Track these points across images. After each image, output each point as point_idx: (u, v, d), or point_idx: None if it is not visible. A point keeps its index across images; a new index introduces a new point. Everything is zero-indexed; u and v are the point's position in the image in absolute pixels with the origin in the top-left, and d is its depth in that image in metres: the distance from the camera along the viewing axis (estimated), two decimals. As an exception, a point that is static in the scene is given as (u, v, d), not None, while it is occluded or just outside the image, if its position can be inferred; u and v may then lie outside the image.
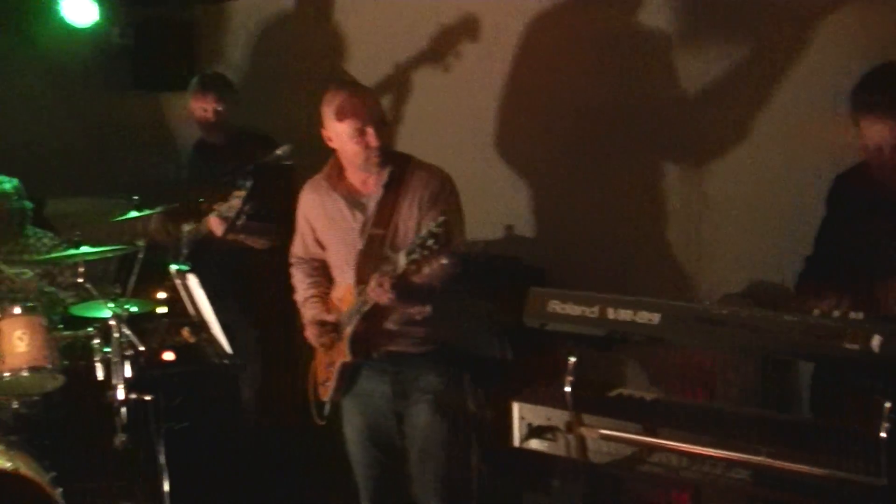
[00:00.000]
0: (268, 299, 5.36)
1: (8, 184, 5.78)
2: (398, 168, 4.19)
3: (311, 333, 4.35)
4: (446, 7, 5.94)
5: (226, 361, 4.47)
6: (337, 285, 4.35)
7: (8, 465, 4.65)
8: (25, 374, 5.10)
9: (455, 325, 4.31)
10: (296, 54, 6.78)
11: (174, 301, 5.76)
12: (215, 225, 5.04)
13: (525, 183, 5.71)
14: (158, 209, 5.44)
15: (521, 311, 3.54)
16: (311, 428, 4.41)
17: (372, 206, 4.19)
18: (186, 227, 5.35)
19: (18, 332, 5.13)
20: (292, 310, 5.22)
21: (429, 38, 6.02)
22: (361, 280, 4.11)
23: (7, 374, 5.07)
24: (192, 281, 4.39)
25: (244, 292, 5.34)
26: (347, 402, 4.36)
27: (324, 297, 4.39)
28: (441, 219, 3.74)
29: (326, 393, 4.33)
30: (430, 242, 3.71)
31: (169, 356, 5.49)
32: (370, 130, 4.08)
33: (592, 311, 3.35)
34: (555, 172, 5.61)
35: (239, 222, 4.69)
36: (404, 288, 3.94)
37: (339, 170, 4.29)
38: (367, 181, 4.23)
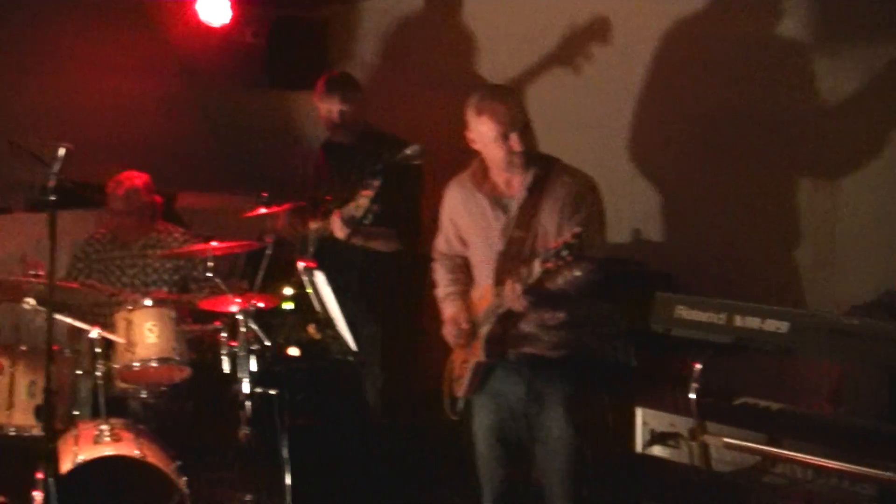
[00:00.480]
0: (392, 297, 5.44)
1: (139, 179, 6.01)
2: (542, 171, 4.27)
3: (447, 331, 4.46)
4: (577, 8, 5.95)
5: (350, 358, 4.55)
6: (477, 284, 4.45)
7: (135, 452, 4.83)
8: (154, 364, 5.30)
9: (590, 331, 4.38)
10: (426, 55, 6.86)
11: (301, 297, 5.94)
12: (338, 228, 5.11)
13: (653, 187, 5.70)
14: (287, 206, 5.56)
15: (646, 316, 3.57)
16: (431, 425, 4.49)
17: (514, 207, 4.28)
18: (313, 225, 5.47)
19: (149, 324, 5.33)
20: (416, 308, 5.33)
21: (559, 40, 6.04)
22: (500, 281, 4.21)
23: (137, 364, 5.27)
24: (319, 278, 4.47)
25: (368, 290, 5.41)
26: (479, 399, 4.45)
27: (463, 295, 4.50)
28: (577, 230, 3.83)
29: (461, 389, 4.43)
30: (564, 253, 3.80)
31: (294, 352, 5.60)
32: (513, 136, 4.17)
33: (720, 318, 3.37)
34: (684, 177, 5.60)
35: (366, 221, 4.77)
36: (539, 294, 4.03)
37: (484, 169, 4.39)
38: (511, 182, 4.32)
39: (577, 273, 3.86)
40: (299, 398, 5.71)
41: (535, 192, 4.25)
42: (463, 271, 4.55)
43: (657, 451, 3.59)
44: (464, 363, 4.43)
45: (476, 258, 4.45)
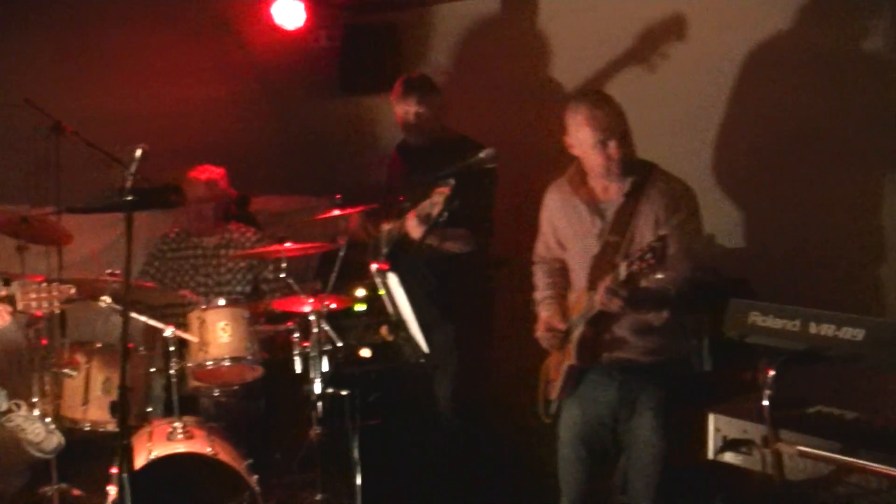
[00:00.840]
0: (466, 299, 5.48)
1: (218, 170, 6.22)
2: (640, 177, 4.35)
3: (541, 334, 4.54)
4: (655, 11, 5.94)
5: (422, 361, 4.60)
6: (573, 288, 4.53)
7: (207, 450, 4.93)
8: (227, 363, 5.41)
9: (681, 336, 4.43)
10: (500, 58, 6.89)
11: (373, 299, 6.00)
12: (413, 227, 5.16)
13: (730, 193, 5.68)
14: (359, 209, 5.64)
15: (721, 323, 3.58)
16: (501, 428, 4.49)
17: (611, 213, 4.37)
18: (386, 227, 5.54)
19: (222, 324, 5.45)
20: (489, 310, 5.35)
21: (636, 43, 6.04)
22: (593, 285, 4.29)
23: (210, 362, 5.39)
24: (392, 279, 4.50)
25: (443, 291, 5.46)
26: (569, 402, 4.53)
27: (559, 298, 4.59)
28: (662, 233, 3.92)
29: (554, 392, 4.52)
30: (647, 256, 3.87)
31: (366, 353, 5.66)
32: (612, 143, 4.27)
33: (794, 325, 3.38)
34: (762, 184, 5.57)
35: (441, 220, 4.76)
36: (631, 296, 4.08)
37: (582, 174, 4.49)
38: (609, 188, 4.41)
39: (659, 276, 3.92)
40: (370, 399, 5.76)
41: (632, 198, 4.33)
42: (561, 275, 4.64)
43: (729, 457, 3.59)
44: (558, 366, 4.51)
45: (573, 262, 4.54)
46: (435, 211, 4.76)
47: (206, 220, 6.23)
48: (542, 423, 4.60)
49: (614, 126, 4.28)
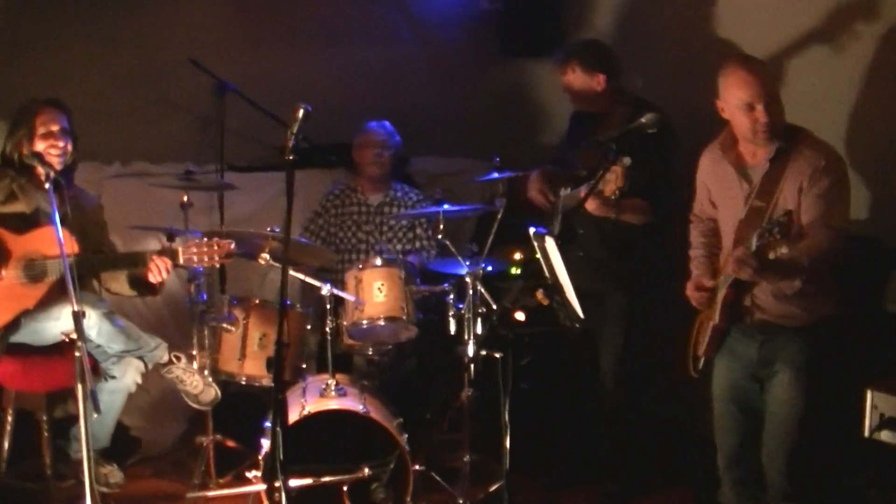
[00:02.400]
0: (640, 268, 5.34)
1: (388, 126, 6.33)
2: (787, 143, 4.30)
3: (689, 292, 4.59)
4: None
5: (577, 326, 4.52)
6: (723, 248, 4.56)
7: (360, 407, 4.95)
8: (382, 323, 5.39)
9: (828, 303, 4.36)
10: (664, 24, 6.68)
11: (530, 262, 5.93)
12: (588, 204, 4.99)
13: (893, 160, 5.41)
14: (536, 172, 5.56)
15: (881, 295, 3.40)
16: (661, 398, 4.37)
17: (757, 177, 4.36)
18: (563, 192, 5.40)
19: (378, 283, 5.44)
20: (664, 280, 5.23)
21: (822, 15, 5.76)
22: (736, 247, 4.31)
23: (365, 321, 5.38)
24: (550, 244, 4.43)
25: (618, 262, 5.34)
26: (719, 361, 4.58)
27: (711, 257, 4.64)
28: (786, 209, 4.04)
29: (701, 349, 4.56)
30: (774, 230, 3.93)
31: (520, 316, 5.59)
32: (759, 107, 4.23)
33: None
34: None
35: (613, 197, 4.72)
36: (761, 266, 4.09)
37: (732, 138, 4.47)
38: (756, 153, 4.38)
39: (784, 250, 3.92)
40: (523, 363, 5.77)
41: (778, 164, 4.29)
42: (714, 234, 4.68)
43: (886, 436, 3.42)
44: (705, 324, 4.55)
45: (723, 223, 4.58)
46: (608, 189, 4.68)
47: (382, 171, 6.28)
48: (690, 378, 4.64)
49: (762, 89, 4.24)
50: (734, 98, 4.28)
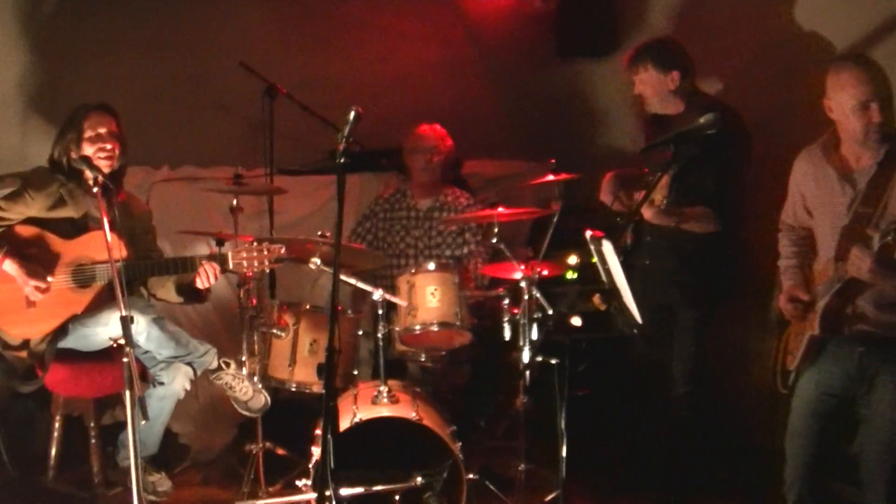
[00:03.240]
0: (709, 280, 5.22)
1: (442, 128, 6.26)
2: (895, 146, 4.22)
3: (783, 303, 4.48)
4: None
5: (634, 332, 4.44)
6: (819, 257, 4.45)
7: (412, 415, 4.89)
8: (435, 329, 5.35)
9: None
10: (723, 19, 6.54)
11: (586, 267, 5.85)
12: (645, 211, 4.95)
13: None
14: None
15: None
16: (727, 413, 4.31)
17: (863, 182, 4.24)
18: (638, 197, 5.29)
19: (431, 288, 5.39)
20: (734, 291, 5.21)
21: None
22: (841, 255, 4.20)
23: (418, 327, 5.34)
24: (607, 247, 4.33)
25: (685, 271, 5.22)
26: (806, 373, 4.44)
27: (804, 268, 4.54)
28: None
29: (793, 362, 4.44)
30: None
31: (577, 322, 5.53)
32: (874, 106, 4.15)
33: None
34: None
35: (662, 209, 4.70)
36: (883, 266, 4.02)
37: (836, 141, 4.36)
38: (862, 157, 4.28)
39: None
40: (580, 369, 5.70)
41: (886, 168, 4.20)
42: (807, 243, 4.57)
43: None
44: (798, 336, 4.43)
45: (820, 231, 4.44)
46: (658, 197, 4.66)
47: (432, 176, 6.23)
48: (777, 393, 4.53)
49: (878, 89, 4.16)
50: (847, 97, 4.18)
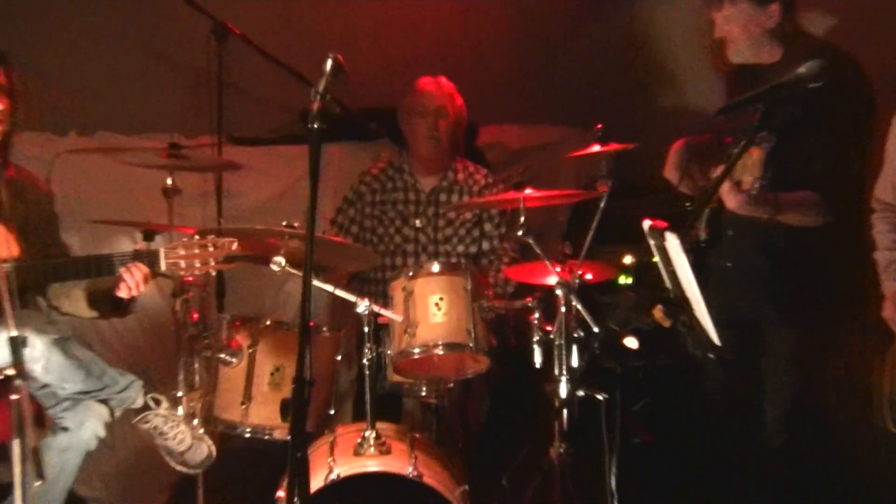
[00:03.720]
0: (816, 290, 5.09)
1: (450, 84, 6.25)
2: None
3: (889, 313, 4.53)
4: None
5: (710, 357, 4.33)
6: None
7: (409, 470, 4.83)
8: (440, 351, 5.23)
9: None
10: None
11: (645, 269, 5.80)
12: (726, 195, 4.76)
13: None
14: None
15: None
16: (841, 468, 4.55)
17: None
18: (717, 173, 5.15)
19: (436, 297, 5.29)
20: (849, 307, 5.10)
21: None
22: None
23: (418, 349, 5.22)
24: (672, 242, 4.23)
25: (782, 277, 5.11)
26: None
27: None
28: None
29: None
30: None
31: (632, 343, 5.43)
32: None
33: None
34: None
35: (753, 192, 4.52)
36: None
37: None
38: None
39: None
40: (636, 407, 5.78)
41: None
42: None
43: None
44: None
45: None
46: (748, 177, 4.53)
47: (438, 147, 6.23)
48: (885, 430, 4.53)
49: None
50: None
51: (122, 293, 4.93)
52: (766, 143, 4.47)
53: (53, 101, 5.97)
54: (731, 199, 4.71)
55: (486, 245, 6.19)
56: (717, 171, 4.95)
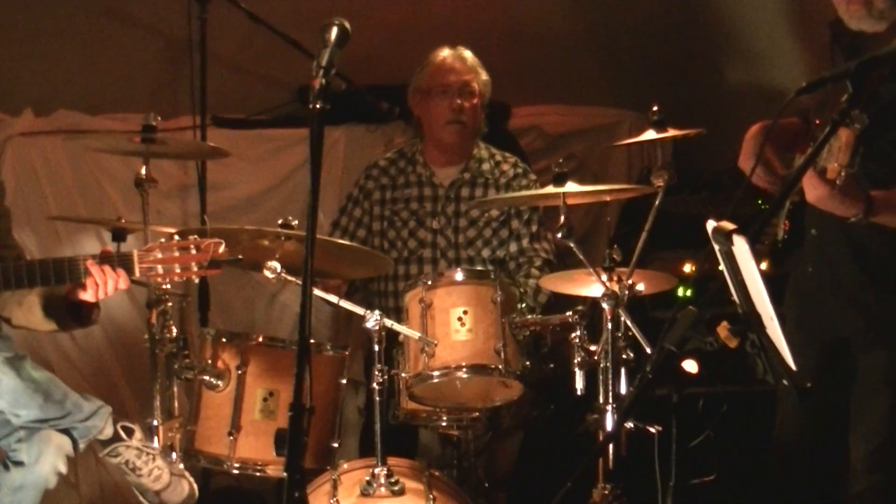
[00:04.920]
0: None
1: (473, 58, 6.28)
2: None
3: None
4: None
5: (786, 383, 4.42)
6: None
7: (426, 514, 4.89)
8: (463, 375, 5.30)
9: None
10: None
11: (708, 279, 5.86)
12: (808, 185, 4.71)
13: None
14: (692, 131, 5.39)
15: None
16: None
17: None
18: (798, 162, 5.22)
19: (459, 310, 5.36)
20: None
21: None
22: None
23: (437, 373, 5.29)
24: (741, 247, 4.29)
25: (876, 295, 5.17)
26: None
27: None
28: None
29: None
30: None
31: (690, 366, 5.53)
32: None
33: None
34: None
35: (839, 181, 4.44)
36: None
37: None
38: None
39: None
40: (695, 442, 5.72)
41: None
42: None
43: None
44: None
45: None
46: (833, 164, 4.45)
47: (462, 132, 6.26)
48: None
49: None
50: None
51: (87, 295, 4.89)
52: (857, 124, 4.33)
53: (3, 73, 5.98)
54: (811, 191, 4.67)
55: (513, 247, 6.20)
56: (801, 159, 5.06)
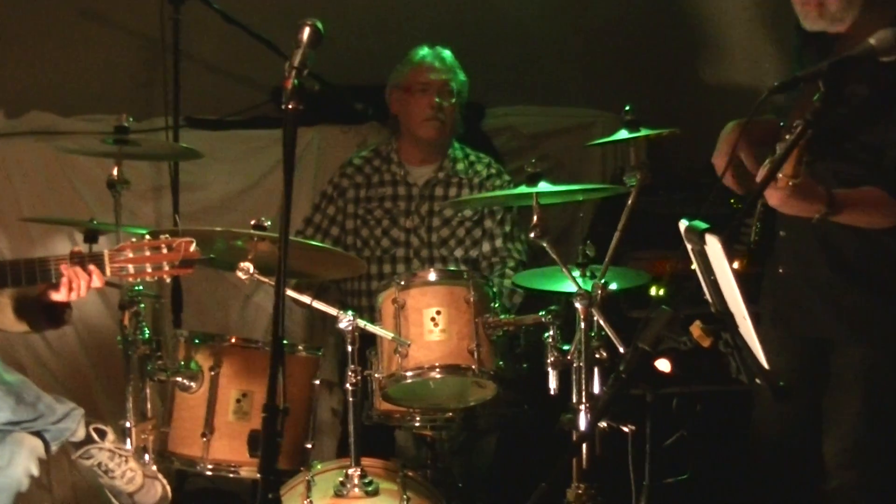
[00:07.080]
0: (890, 304, 5.16)
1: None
2: None
3: None
4: None
5: (758, 382, 4.42)
6: None
7: (400, 514, 4.89)
8: (437, 375, 5.29)
9: None
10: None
11: (681, 279, 5.86)
12: (771, 195, 4.78)
13: None
14: (666, 131, 5.33)
15: None
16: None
17: None
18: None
19: (432, 311, 5.34)
20: None
21: None
22: None
23: (410, 374, 5.27)
24: (713, 246, 4.29)
25: (850, 289, 5.17)
26: None
27: None
28: None
29: None
30: None
31: (664, 366, 5.54)
32: None
33: None
34: None
35: (794, 182, 4.50)
36: None
37: None
38: None
39: None
40: (669, 442, 5.76)
41: None
42: None
43: None
44: None
45: None
46: (786, 170, 4.42)
47: (440, 132, 6.26)
48: None
49: None
50: None
51: (60, 296, 4.82)
52: (809, 126, 4.37)
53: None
54: (770, 197, 4.76)
55: (486, 246, 6.21)
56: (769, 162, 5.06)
